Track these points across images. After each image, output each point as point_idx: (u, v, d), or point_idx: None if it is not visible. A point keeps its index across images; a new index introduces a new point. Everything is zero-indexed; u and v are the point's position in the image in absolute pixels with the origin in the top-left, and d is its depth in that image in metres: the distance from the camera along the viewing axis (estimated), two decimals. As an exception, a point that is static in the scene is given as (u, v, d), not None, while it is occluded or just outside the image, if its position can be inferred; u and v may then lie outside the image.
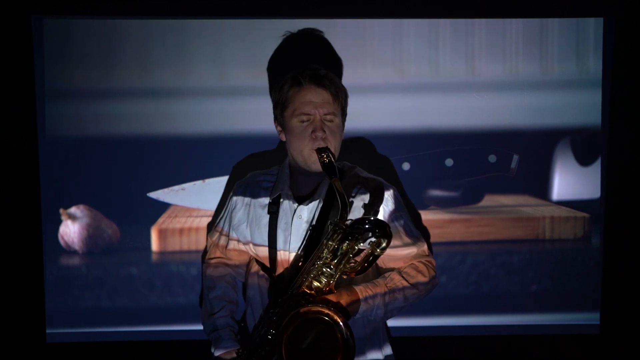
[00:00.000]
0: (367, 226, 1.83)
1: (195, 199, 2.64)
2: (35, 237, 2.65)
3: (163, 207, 2.64)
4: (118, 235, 2.65)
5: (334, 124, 1.98)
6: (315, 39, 2.59)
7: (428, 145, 2.65)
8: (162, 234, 2.65)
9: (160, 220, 2.64)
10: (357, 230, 1.83)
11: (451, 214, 2.67)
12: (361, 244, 1.86)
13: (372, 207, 1.97)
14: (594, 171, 2.70)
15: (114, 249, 2.65)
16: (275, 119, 2.06)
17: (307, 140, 1.95)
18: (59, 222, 2.64)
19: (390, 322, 2.45)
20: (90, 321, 2.66)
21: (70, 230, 2.65)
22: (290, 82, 2.00)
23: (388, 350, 2.11)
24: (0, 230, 2.66)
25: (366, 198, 1.99)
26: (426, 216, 2.66)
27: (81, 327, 2.67)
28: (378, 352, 2.06)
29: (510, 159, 2.66)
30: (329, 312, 1.78)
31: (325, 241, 1.86)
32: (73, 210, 2.64)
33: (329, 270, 1.85)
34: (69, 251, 2.65)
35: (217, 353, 2.03)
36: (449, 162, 2.66)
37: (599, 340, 2.75)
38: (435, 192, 2.67)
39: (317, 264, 1.86)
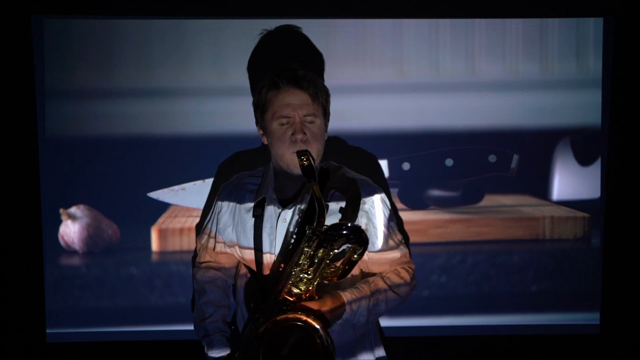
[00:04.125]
0: (342, 232, 1.80)
1: (195, 199, 2.64)
2: (35, 237, 2.65)
3: (163, 207, 2.64)
4: (118, 235, 2.65)
5: (315, 125, 1.95)
6: (293, 35, 2.57)
7: (428, 145, 2.65)
8: (162, 234, 2.65)
9: (160, 220, 2.64)
10: (332, 236, 1.80)
11: (451, 214, 2.67)
12: (336, 250, 1.83)
13: (357, 208, 1.96)
14: (594, 171, 2.70)
15: (114, 249, 2.65)
16: (257, 123, 2.04)
17: (287, 144, 1.92)
18: (59, 222, 2.64)
19: (389, 322, 2.45)
20: (90, 321, 2.66)
21: (70, 230, 2.65)
22: (268, 84, 1.97)
23: (381, 352, 2.09)
24: (0, 230, 2.66)
25: (342, 202, 1.97)
26: (426, 216, 2.67)
27: (81, 327, 2.67)
28: (369, 354, 2.05)
29: (510, 159, 2.66)
30: (307, 319, 1.77)
31: (301, 247, 1.83)
32: (73, 210, 2.64)
33: (307, 276, 1.83)
34: (69, 251, 2.65)
35: (210, 357, 2.03)
36: (449, 162, 2.66)
37: (599, 340, 2.75)
38: (435, 192, 2.67)
39: (295, 270, 1.83)
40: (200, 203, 2.64)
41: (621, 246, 2.72)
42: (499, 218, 2.69)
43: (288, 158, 1.93)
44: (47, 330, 2.68)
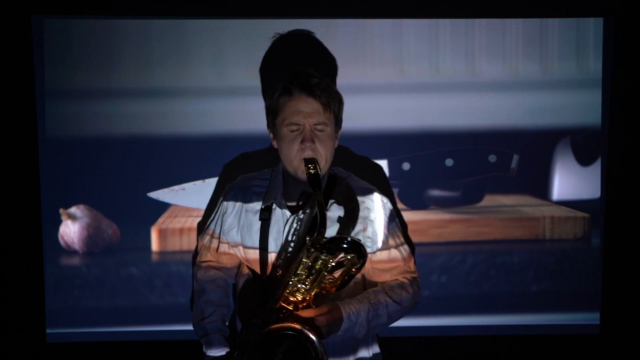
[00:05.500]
0: (341, 246, 1.78)
1: (195, 199, 2.64)
2: (35, 237, 2.65)
3: (163, 207, 2.64)
4: (118, 235, 2.65)
5: (325, 133, 1.93)
6: (307, 39, 2.58)
7: (428, 145, 2.65)
8: (162, 234, 2.65)
9: (160, 220, 2.64)
10: (331, 249, 1.78)
11: (451, 214, 2.67)
12: (333, 263, 1.81)
13: (356, 218, 1.96)
14: (594, 171, 2.70)
15: (114, 249, 2.65)
16: (268, 126, 2.04)
17: (296, 150, 1.92)
18: (59, 222, 2.64)
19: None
20: (90, 321, 2.67)
21: (70, 230, 2.65)
22: (280, 90, 1.95)
23: (376, 349, 2.10)
24: (0, 230, 2.66)
25: (342, 211, 1.97)
26: (426, 216, 2.67)
27: (81, 327, 2.67)
28: (366, 351, 2.06)
29: (510, 159, 2.66)
30: (301, 329, 1.75)
31: (300, 258, 1.82)
32: (73, 210, 2.64)
33: (304, 286, 1.82)
34: (69, 251, 2.66)
35: (208, 356, 2.03)
36: (449, 162, 2.66)
37: (599, 340, 2.75)
38: (435, 192, 2.67)
39: (293, 280, 1.83)
40: (201, 203, 2.64)
41: (621, 246, 2.72)
42: (499, 218, 2.69)
43: (296, 164, 1.93)
44: (47, 330, 2.68)
